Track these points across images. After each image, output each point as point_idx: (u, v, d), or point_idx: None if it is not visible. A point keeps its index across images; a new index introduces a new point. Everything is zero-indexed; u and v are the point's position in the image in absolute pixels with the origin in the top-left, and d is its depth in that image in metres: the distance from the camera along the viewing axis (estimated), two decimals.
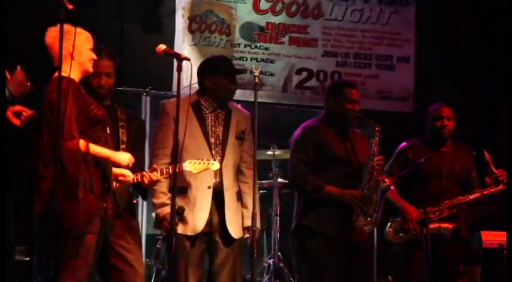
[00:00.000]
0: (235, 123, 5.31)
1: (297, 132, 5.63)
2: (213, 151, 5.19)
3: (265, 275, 7.12)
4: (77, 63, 4.41)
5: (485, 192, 5.93)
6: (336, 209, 5.40)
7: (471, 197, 5.93)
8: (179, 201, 5.00)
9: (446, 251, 5.84)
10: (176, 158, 4.70)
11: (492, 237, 6.13)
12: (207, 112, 5.26)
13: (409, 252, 5.87)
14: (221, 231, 5.19)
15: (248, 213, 5.19)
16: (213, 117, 5.27)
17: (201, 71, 5.33)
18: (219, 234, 5.20)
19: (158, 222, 5.15)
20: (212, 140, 5.23)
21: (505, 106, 5.96)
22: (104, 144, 4.49)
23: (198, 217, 5.12)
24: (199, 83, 5.33)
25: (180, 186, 5.02)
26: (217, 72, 5.26)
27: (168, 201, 5.00)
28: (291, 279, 7.11)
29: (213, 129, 5.24)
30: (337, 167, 5.48)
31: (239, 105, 5.61)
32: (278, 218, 7.34)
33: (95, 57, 4.51)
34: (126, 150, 4.83)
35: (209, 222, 5.15)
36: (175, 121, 4.66)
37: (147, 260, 7.02)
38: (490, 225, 6.43)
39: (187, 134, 4.91)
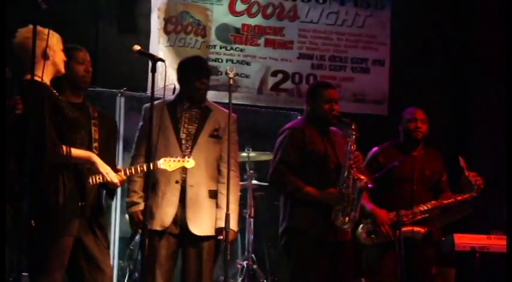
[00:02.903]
0: (212, 121, 5.36)
1: (283, 133, 5.66)
2: (183, 147, 5.26)
3: (238, 277, 7.11)
4: (51, 63, 4.42)
5: (459, 198, 5.97)
6: (323, 209, 5.43)
7: (444, 202, 5.97)
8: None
9: (418, 254, 5.88)
10: (149, 157, 4.72)
11: (465, 240, 6.17)
12: (180, 111, 5.36)
13: (382, 254, 5.90)
14: (187, 229, 5.22)
15: (222, 214, 5.20)
16: (187, 116, 5.35)
17: (177, 71, 5.47)
18: (186, 233, 5.22)
19: (129, 220, 5.28)
20: (183, 136, 5.31)
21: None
22: (80, 146, 4.50)
23: (165, 212, 5.20)
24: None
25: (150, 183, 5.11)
26: (186, 72, 5.41)
27: (138, 200, 5.17)
28: (264, 281, 7.10)
29: (185, 126, 5.32)
30: (322, 166, 5.52)
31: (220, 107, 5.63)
32: (252, 220, 7.33)
33: (65, 58, 4.53)
34: (98, 148, 4.84)
35: (176, 218, 5.21)
36: (149, 122, 4.70)
37: (120, 261, 7.01)
38: (463, 228, 6.46)
39: (160, 133, 4.99)
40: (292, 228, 5.51)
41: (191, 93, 5.39)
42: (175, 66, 7.44)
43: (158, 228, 5.16)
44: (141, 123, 5.42)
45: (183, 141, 5.30)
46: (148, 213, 5.01)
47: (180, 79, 5.46)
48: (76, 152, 4.44)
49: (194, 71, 5.41)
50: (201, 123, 5.36)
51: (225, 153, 5.37)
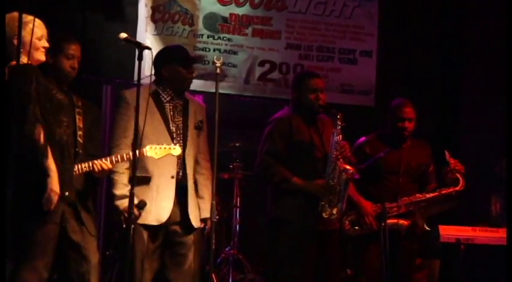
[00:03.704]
0: (193, 113, 5.33)
1: (269, 124, 5.65)
2: (174, 140, 5.19)
3: (224, 267, 7.11)
4: (24, 54, 4.32)
5: (443, 192, 5.99)
6: (311, 199, 5.46)
7: (428, 195, 5.99)
8: (141, 192, 5.00)
9: (402, 246, 5.89)
10: (136, 146, 4.67)
11: (449, 232, 6.17)
12: (165, 101, 5.27)
13: (367, 246, 5.92)
14: (180, 221, 5.18)
15: (204, 205, 5.22)
16: (171, 107, 5.27)
17: (157, 60, 5.31)
18: (179, 225, 5.19)
19: (117, 214, 5.09)
20: (173, 129, 5.23)
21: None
22: (67, 129, 4.46)
23: (161, 207, 5.10)
24: (156, 72, 5.31)
25: (142, 176, 5.06)
26: (173, 61, 5.27)
27: (129, 194, 5.03)
28: (250, 271, 7.11)
29: (172, 118, 5.25)
30: (309, 156, 5.56)
31: (195, 97, 5.62)
32: (238, 210, 7.34)
33: (46, 45, 4.47)
34: (83, 136, 4.81)
35: (174, 214, 5.15)
36: (136, 110, 4.66)
37: (105, 251, 6.99)
38: (448, 220, 6.48)
39: (148, 123, 4.94)
40: (279, 219, 5.52)
41: (179, 83, 5.30)
42: None
43: (154, 223, 5.09)
44: (121, 110, 5.22)
45: (174, 135, 5.23)
46: (140, 210, 4.99)
47: (164, 68, 5.28)
48: (51, 156, 4.34)
49: (182, 61, 5.32)
50: (186, 116, 5.31)
51: (202, 144, 5.38)
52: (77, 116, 4.84)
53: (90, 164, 4.76)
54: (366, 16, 8.36)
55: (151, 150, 4.93)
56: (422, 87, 8.25)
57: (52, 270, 4.71)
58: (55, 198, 4.29)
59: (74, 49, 4.87)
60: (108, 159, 4.82)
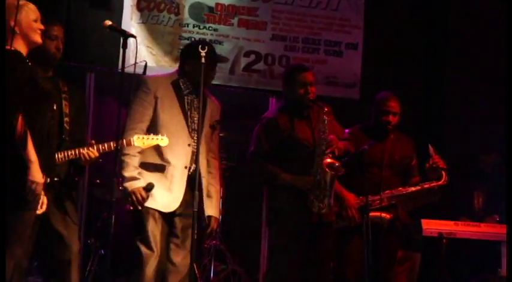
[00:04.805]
0: (210, 112, 5.33)
1: (258, 123, 5.67)
2: (191, 134, 5.19)
3: (205, 257, 7.10)
4: (20, 36, 4.33)
5: (426, 186, 5.99)
6: (302, 192, 5.48)
7: (411, 189, 5.99)
8: (155, 178, 5.08)
9: (384, 239, 5.90)
10: (117, 133, 4.64)
11: (432, 226, 6.20)
12: (184, 94, 5.25)
13: (349, 239, 5.92)
14: (182, 214, 5.17)
15: (211, 203, 5.29)
16: (188, 101, 5.26)
17: (183, 54, 5.36)
18: (179, 217, 5.18)
19: (126, 196, 5.07)
20: (189, 123, 5.23)
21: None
22: (51, 120, 4.43)
23: (173, 196, 5.12)
24: (181, 65, 5.34)
25: (158, 164, 5.12)
26: (197, 58, 5.06)
27: (139, 176, 5.04)
28: (232, 262, 7.11)
29: (189, 112, 5.23)
30: (301, 152, 5.55)
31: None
32: (221, 200, 7.31)
33: (41, 27, 4.43)
34: (70, 123, 4.79)
35: (182, 203, 5.15)
36: (121, 97, 4.64)
37: (87, 239, 6.98)
38: (431, 214, 6.49)
39: (167, 112, 5.06)
40: (273, 209, 5.55)
41: (199, 80, 5.07)
42: (147, 43, 7.44)
43: (162, 209, 5.10)
44: (140, 95, 5.16)
45: (190, 129, 5.21)
46: (148, 191, 5.04)
47: (187, 62, 5.25)
48: (31, 146, 4.28)
49: (211, 59, 5.19)
50: (203, 113, 5.18)
51: (212, 143, 5.40)
52: (64, 102, 4.82)
53: (77, 152, 4.75)
54: (352, 8, 8.36)
55: (138, 140, 4.94)
56: (408, 81, 8.27)
57: (33, 258, 4.68)
58: (38, 188, 4.24)
59: (56, 30, 4.87)
60: (95, 147, 4.80)
